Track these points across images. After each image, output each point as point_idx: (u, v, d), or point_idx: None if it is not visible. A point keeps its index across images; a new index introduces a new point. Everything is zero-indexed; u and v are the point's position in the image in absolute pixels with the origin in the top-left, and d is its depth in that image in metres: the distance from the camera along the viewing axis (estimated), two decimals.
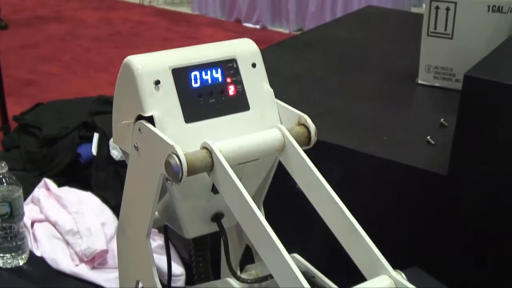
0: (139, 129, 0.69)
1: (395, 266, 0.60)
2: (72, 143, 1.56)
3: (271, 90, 0.75)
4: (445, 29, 1.23)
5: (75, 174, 1.53)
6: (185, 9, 6.40)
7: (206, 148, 0.65)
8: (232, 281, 0.79)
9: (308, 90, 1.30)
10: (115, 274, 1.25)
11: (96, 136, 1.52)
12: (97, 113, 1.60)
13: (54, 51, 4.13)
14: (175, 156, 0.62)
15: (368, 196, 1.00)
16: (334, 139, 1.04)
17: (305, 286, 0.55)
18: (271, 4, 5.64)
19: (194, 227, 0.76)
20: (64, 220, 1.33)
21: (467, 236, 0.93)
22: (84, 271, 1.26)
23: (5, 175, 1.23)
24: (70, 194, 1.40)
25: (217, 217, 0.76)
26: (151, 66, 0.69)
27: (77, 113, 1.66)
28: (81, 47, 4.24)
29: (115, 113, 0.74)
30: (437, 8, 1.22)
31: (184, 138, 0.68)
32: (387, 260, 0.60)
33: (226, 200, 0.65)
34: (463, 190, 0.92)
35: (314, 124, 0.72)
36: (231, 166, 0.66)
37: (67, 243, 1.31)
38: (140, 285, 0.80)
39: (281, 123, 0.74)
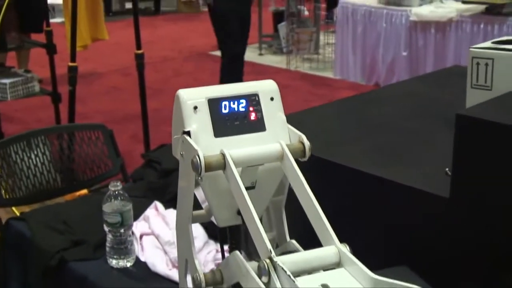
0: (183, 141, 0.97)
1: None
2: None
3: (284, 117, 1.00)
4: (485, 82, 1.40)
5: None
6: (327, 74, 6.76)
7: (222, 153, 0.92)
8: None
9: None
10: None
11: None
12: None
13: None
14: (197, 157, 0.90)
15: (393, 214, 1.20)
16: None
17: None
18: (409, 67, 5.83)
19: (224, 218, 1.02)
20: (165, 234, 1.63)
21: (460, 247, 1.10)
22: (175, 274, 1.55)
23: (120, 192, 1.57)
24: (173, 214, 1.71)
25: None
26: (192, 96, 0.97)
27: None
28: None
29: (172, 132, 1.03)
30: (478, 64, 1.41)
31: (213, 148, 0.95)
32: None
33: (233, 193, 0.91)
34: (461, 210, 1.09)
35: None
36: (243, 168, 0.92)
37: (165, 252, 1.61)
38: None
39: (290, 141, 0.98)
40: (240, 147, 0.95)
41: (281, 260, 0.78)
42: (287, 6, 7.24)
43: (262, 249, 0.81)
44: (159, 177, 1.97)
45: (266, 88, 1.01)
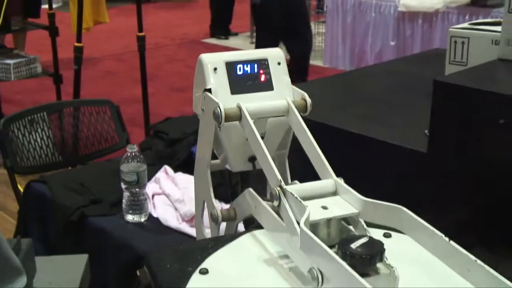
0: (204, 97, 1.15)
1: None
2: (189, 144, 2.07)
3: (289, 79, 1.19)
4: (462, 58, 1.59)
5: (188, 166, 2.03)
6: (317, 62, 6.94)
7: (238, 106, 1.10)
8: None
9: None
10: (207, 230, 1.71)
11: None
12: None
13: None
14: (218, 108, 1.08)
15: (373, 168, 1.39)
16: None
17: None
18: (397, 56, 6.02)
19: (237, 164, 1.20)
20: (175, 193, 1.82)
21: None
22: (185, 227, 1.74)
23: (136, 153, 1.75)
24: (182, 176, 1.90)
25: (252, 159, 1.20)
26: (213, 59, 1.16)
27: (196, 122, 2.17)
28: None
29: (194, 90, 1.22)
30: (455, 42, 1.59)
31: (230, 103, 1.13)
32: None
33: (248, 138, 1.09)
34: (437, 163, 1.29)
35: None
36: (255, 120, 1.10)
37: (175, 208, 1.79)
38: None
39: (294, 98, 1.17)
40: (252, 103, 1.13)
41: (288, 188, 0.97)
42: None
43: (273, 180, 1.00)
44: (166, 146, 2.16)
45: (274, 54, 1.20)
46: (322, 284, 0.87)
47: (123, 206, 1.77)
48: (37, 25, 4.27)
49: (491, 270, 0.77)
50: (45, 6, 4.08)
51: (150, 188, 1.87)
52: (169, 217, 1.76)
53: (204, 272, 0.99)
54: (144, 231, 1.74)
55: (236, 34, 8.49)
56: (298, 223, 0.91)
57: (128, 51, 7.53)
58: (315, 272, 0.87)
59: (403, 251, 0.96)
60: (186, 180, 1.87)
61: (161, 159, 2.11)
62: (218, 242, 1.08)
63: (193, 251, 1.05)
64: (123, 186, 1.75)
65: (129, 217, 1.77)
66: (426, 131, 1.40)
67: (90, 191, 1.93)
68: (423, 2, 5.75)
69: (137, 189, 1.75)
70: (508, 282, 0.75)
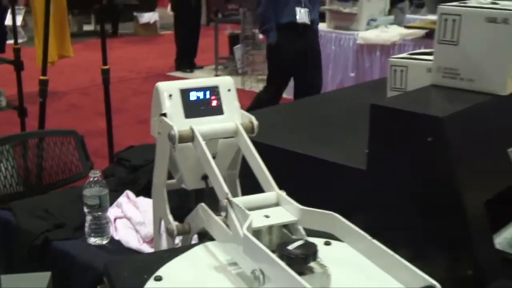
0: (160, 121, 1.26)
1: None
2: (150, 170, 2.15)
3: (238, 104, 1.30)
4: (401, 85, 1.72)
5: (149, 191, 2.12)
6: (283, 94, 7.08)
7: (191, 128, 1.21)
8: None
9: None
10: (164, 244, 1.80)
11: None
12: None
13: None
14: (172, 130, 1.19)
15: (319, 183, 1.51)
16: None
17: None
18: None
19: (192, 182, 1.30)
20: (136, 216, 1.91)
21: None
22: (146, 248, 1.82)
23: (98, 178, 1.84)
24: (143, 200, 1.99)
25: (205, 177, 1.30)
26: (168, 87, 1.27)
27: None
28: None
29: (151, 115, 1.32)
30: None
31: (184, 126, 1.23)
32: None
33: (200, 157, 1.20)
34: (375, 179, 1.41)
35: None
36: (207, 141, 1.21)
37: (136, 231, 1.88)
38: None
39: (242, 121, 1.28)
40: (204, 126, 1.24)
41: (235, 199, 1.08)
42: (242, 30, 7.59)
43: (222, 193, 1.10)
44: (128, 173, 2.24)
45: (225, 82, 1.32)
46: (263, 284, 0.97)
47: (86, 229, 1.85)
48: (2, 59, 4.33)
49: (416, 269, 0.88)
50: (10, 42, 4.15)
51: (112, 212, 1.96)
52: (131, 239, 1.84)
53: (159, 279, 1.08)
54: (106, 253, 1.82)
55: (201, 67, 8.63)
56: None
57: (93, 84, 7.60)
58: (257, 273, 0.97)
59: (341, 256, 1.06)
60: (147, 204, 1.96)
61: (124, 185, 2.19)
62: (172, 253, 1.17)
63: (149, 261, 1.14)
64: (85, 210, 1.83)
65: (92, 240, 1.85)
66: (366, 150, 1.52)
67: (54, 217, 2.00)
68: (380, 35, 5.97)
69: (99, 213, 1.83)
70: (430, 279, 0.86)
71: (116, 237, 1.88)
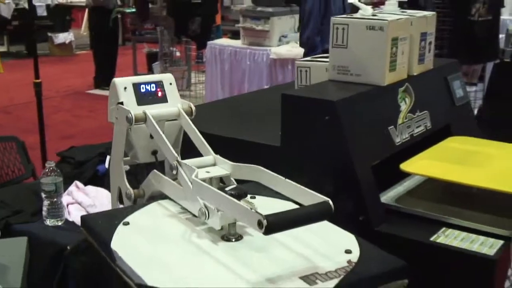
0: (117, 108, 1.60)
1: None
2: (93, 164, 2.48)
3: (177, 94, 1.66)
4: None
5: (95, 182, 2.44)
6: None
7: (144, 112, 1.56)
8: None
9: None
10: None
11: (108, 157, 2.44)
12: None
13: None
14: (130, 114, 1.53)
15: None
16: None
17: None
18: None
19: (144, 156, 1.65)
20: (87, 200, 2.22)
21: None
22: None
23: (53, 168, 2.14)
24: (91, 187, 2.30)
25: (154, 152, 1.65)
26: (123, 81, 1.61)
27: (97, 149, 2.59)
28: None
29: (108, 105, 1.65)
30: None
31: (137, 111, 1.58)
32: None
33: (152, 134, 1.55)
34: (287, 155, 1.80)
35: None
36: (156, 123, 1.56)
37: (87, 212, 2.19)
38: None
39: (183, 107, 1.64)
40: (153, 110, 1.60)
41: (182, 161, 1.44)
42: (160, 47, 7.91)
43: (172, 156, 1.46)
44: (73, 169, 2.55)
45: (167, 77, 1.68)
46: (208, 217, 1.33)
47: (44, 213, 2.14)
48: None
49: (316, 193, 1.26)
50: None
51: (64, 199, 2.25)
52: None
53: (126, 224, 1.42)
54: (62, 232, 2.12)
55: None
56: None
57: (12, 104, 7.72)
58: (203, 210, 1.33)
59: (263, 202, 1.44)
60: (95, 191, 2.27)
61: (70, 179, 2.49)
62: (134, 208, 1.52)
63: (117, 213, 1.49)
64: (43, 195, 2.12)
65: (49, 222, 2.14)
66: (280, 132, 1.91)
67: (11, 205, 2.28)
68: (291, 50, 6.43)
69: (55, 198, 2.13)
70: (324, 197, 1.24)
71: (70, 219, 2.18)
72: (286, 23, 6.70)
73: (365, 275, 1.24)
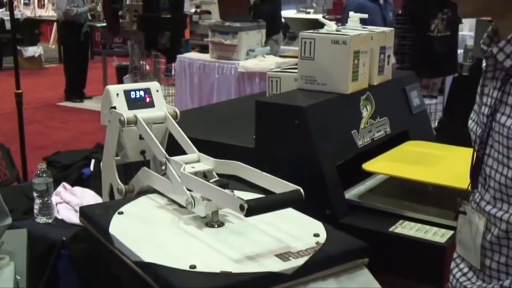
0: (110, 112, 1.79)
1: None
2: (79, 167, 2.65)
3: (163, 100, 1.85)
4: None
5: (80, 183, 2.61)
6: None
7: (134, 115, 1.75)
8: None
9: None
10: None
11: (93, 161, 2.61)
12: (95, 151, 2.71)
13: None
14: (122, 117, 1.72)
15: None
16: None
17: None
18: None
19: (133, 155, 1.84)
20: (74, 199, 2.39)
21: None
22: None
23: (44, 169, 2.30)
24: (77, 188, 2.47)
25: (142, 152, 1.84)
26: (115, 88, 1.80)
27: (81, 153, 2.77)
28: None
29: (102, 109, 1.84)
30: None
31: (128, 114, 1.77)
32: None
33: (142, 135, 1.74)
34: (261, 155, 2.00)
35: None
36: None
37: (75, 210, 2.36)
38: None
39: (168, 111, 1.83)
40: (142, 114, 1.79)
41: (170, 158, 1.63)
42: (131, 61, 8.06)
43: (160, 154, 1.65)
44: (59, 172, 2.71)
45: (154, 85, 1.88)
46: (194, 206, 1.53)
47: (35, 211, 2.30)
48: None
49: (288, 183, 1.47)
50: None
51: (53, 199, 2.41)
52: (72, 217, 2.31)
53: (121, 213, 1.61)
54: (54, 228, 2.28)
55: (90, 97, 8.98)
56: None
57: None
58: (189, 199, 1.53)
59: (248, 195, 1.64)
60: (82, 191, 2.43)
61: (57, 181, 2.65)
62: (126, 201, 1.71)
63: (112, 204, 1.67)
64: (35, 195, 2.28)
65: (40, 219, 2.30)
66: (254, 136, 2.12)
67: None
68: (259, 64, 6.66)
69: (46, 198, 2.29)
70: (296, 186, 1.45)
71: (59, 217, 2.35)
72: (254, 38, 6.92)
73: (331, 253, 1.44)
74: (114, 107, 1.78)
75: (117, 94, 1.80)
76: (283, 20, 8.57)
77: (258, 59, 6.81)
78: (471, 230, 1.28)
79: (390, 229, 1.87)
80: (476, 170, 1.27)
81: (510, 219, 1.17)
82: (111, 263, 1.51)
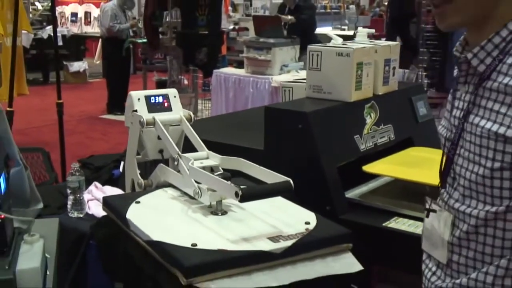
0: (132, 115, 2.02)
1: None
2: (109, 169, 2.90)
3: (180, 105, 2.08)
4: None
5: (111, 183, 2.85)
6: None
7: (153, 118, 1.98)
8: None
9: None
10: None
11: (122, 163, 2.86)
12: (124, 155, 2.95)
13: None
14: (142, 118, 1.95)
15: None
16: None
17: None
18: None
19: (152, 154, 2.06)
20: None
21: None
22: None
23: (78, 169, 2.55)
24: (108, 187, 2.72)
25: (161, 151, 2.06)
26: (137, 94, 2.04)
27: (113, 157, 3.02)
28: None
29: (125, 113, 2.07)
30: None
31: (148, 117, 2.00)
32: None
33: (160, 135, 1.96)
34: (268, 156, 2.21)
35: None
36: (163, 126, 1.98)
37: None
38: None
39: (184, 115, 2.06)
40: (160, 117, 2.02)
41: (182, 154, 1.85)
42: (169, 76, 8.37)
43: (174, 151, 1.87)
44: (92, 173, 2.96)
45: (171, 92, 2.10)
46: (201, 196, 1.74)
47: (68, 206, 2.55)
48: None
49: (281, 176, 1.67)
50: None
51: (85, 197, 2.66)
52: (101, 212, 2.54)
53: (138, 202, 1.83)
54: (84, 221, 2.52)
55: None
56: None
57: (30, 127, 8.18)
58: (196, 190, 1.74)
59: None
60: (111, 189, 2.67)
61: (90, 181, 2.91)
62: (144, 192, 1.93)
63: (131, 195, 1.90)
64: (68, 191, 2.54)
65: (72, 214, 2.55)
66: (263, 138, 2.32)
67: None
68: (291, 79, 6.87)
69: (78, 194, 2.54)
70: (287, 178, 1.65)
71: (90, 212, 2.59)
72: (287, 53, 7.13)
73: (317, 237, 1.64)
74: (136, 110, 2.01)
75: (139, 99, 2.03)
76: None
77: (291, 74, 7.01)
78: (439, 227, 1.36)
79: (384, 224, 2.05)
80: (446, 170, 1.36)
81: (479, 215, 1.25)
82: (127, 245, 1.73)
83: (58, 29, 13.11)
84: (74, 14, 14.56)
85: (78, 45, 12.94)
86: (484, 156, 1.23)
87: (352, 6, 15.09)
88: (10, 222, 1.59)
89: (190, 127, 2.00)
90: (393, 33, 6.43)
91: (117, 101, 9.15)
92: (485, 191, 1.24)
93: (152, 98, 2.05)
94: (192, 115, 2.05)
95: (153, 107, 2.04)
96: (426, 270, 1.42)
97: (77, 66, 12.34)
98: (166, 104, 2.07)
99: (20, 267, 1.52)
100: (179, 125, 2.05)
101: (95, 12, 13.92)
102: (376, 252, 2.02)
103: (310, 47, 2.37)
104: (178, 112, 2.06)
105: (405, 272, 2.01)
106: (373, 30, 2.83)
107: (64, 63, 12.33)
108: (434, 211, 1.39)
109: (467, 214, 1.28)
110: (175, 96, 2.09)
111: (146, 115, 2.00)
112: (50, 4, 11.78)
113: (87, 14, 14.53)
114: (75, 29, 13.83)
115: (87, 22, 14.45)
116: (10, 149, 1.81)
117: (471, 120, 1.27)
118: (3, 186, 1.60)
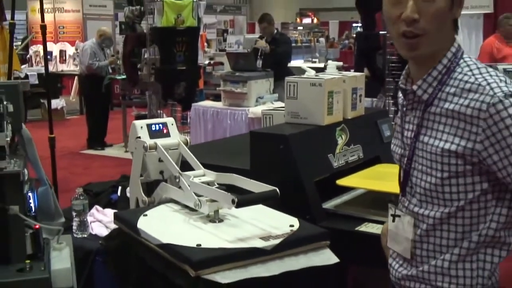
0: (136, 141, 2.33)
1: None
2: (107, 194, 3.19)
3: (177, 131, 2.40)
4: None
5: (110, 206, 3.14)
6: None
7: (155, 143, 2.29)
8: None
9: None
10: None
11: (119, 188, 3.15)
12: (120, 181, 3.25)
13: None
14: (146, 144, 2.27)
15: None
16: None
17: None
18: None
19: (154, 175, 2.37)
20: (105, 218, 2.92)
21: None
22: None
23: (82, 193, 2.84)
24: (108, 210, 3.01)
25: (161, 172, 2.37)
26: (140, 123, 2.35)
27: (109, 183, 3.31)
28: None
29: (129, 139, 2.38)
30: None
31: (150, 142, 2.31)
32: None
33: (162, 158, 2.28)
34: (255, 174, 2.53)
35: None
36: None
37: (106, 227, 2.88)
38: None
39: (181, 139, 2.38)
40: (161, 142, 2.33)
41: (184, 173, 2.16)
42: (149, 110, 8.67)
43: (175, 170, 2.19)
44: (92, 198, 3.25)
45: (169, 120, 2.42)
46: (201, 207, 2.05)
47: (74, 227, 2.83)
48: None
49: (267, 185, 1.99)
50: None
51: (88, 219, 2.94)
52: (104, 232, 2.83)
53: (146, 215, 2.13)
54: (88, 241, 2.80)
55: (111, 145, 9.58)
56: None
57: None
58: (197, 202, 2.06)
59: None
60: (111, 212, 2.96)
61: (90, 206, 3.19)
62: (149, 207, 2.24)
63: (138, 210, 2.20)
64: (74, 214, 2.81)
65: (78, 234, 2.82)
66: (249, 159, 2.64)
67: None
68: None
69: (82, 216, 2.82)
70: (272, 187, 1.97)
71: (93, 233, 2.88)
72: (262, 86, 7.45)
73: (300, 236, 1.96)
74: (139, 137, 2.33)
75: (141, 127, 2.35)
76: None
77: (266, 105, 7.33)
78: (403, 229, 1.59)
79: (356, 228, 2.38)
80: (404, 181, 1.60)
81: (435, 215, 1.51)
82: (138, 250, 2.02)
83: (34, 68, 13.45)
84: (49, 53, 14.80)
85: (54, 83, 13.17)
86: (435, 168, 1.49)
87: (322, 39, 15.64)
88: (40, 232, 1.88)
89: (187, 149, 2.32)
90: (361, 65, 6.84)
91: (97, 137, 9.41)
92: (438, 196, 1.51)
93: (153, 125, 2.37)
94: (189, 140, 2.37)
95: (154, 133, 2.36)
96: (393, 263, 1.67)
97: (54, 103, 12.49)
98: (165, 131, 2.38)
99: (54, 268, 1.80)
100: (177, 148, 2.36)
101: (70, 50, 14.21)
102: (350, 252, 2.34)
103: (288, 78, 2.72)
104: (176, 137, 2.38)
105: (376, 269, 2.33)
106: (341, 63, 3.20)
107: (42, 101, 12.55)
108: (399, 216, 1.62)
109: (425, 215, 1.53)
110: (172, 124, 2.41)
111: (148, 141, 2.31)
112: (25, 44, 12.06)
113: (62, 52, 14.77)
114: (50, 68, 14.03)
115: (62, 60, 14.69)
116: (38, 171, 2.10)
117: (421, 139, 1.52)
118: (35, 203, 1.90)
